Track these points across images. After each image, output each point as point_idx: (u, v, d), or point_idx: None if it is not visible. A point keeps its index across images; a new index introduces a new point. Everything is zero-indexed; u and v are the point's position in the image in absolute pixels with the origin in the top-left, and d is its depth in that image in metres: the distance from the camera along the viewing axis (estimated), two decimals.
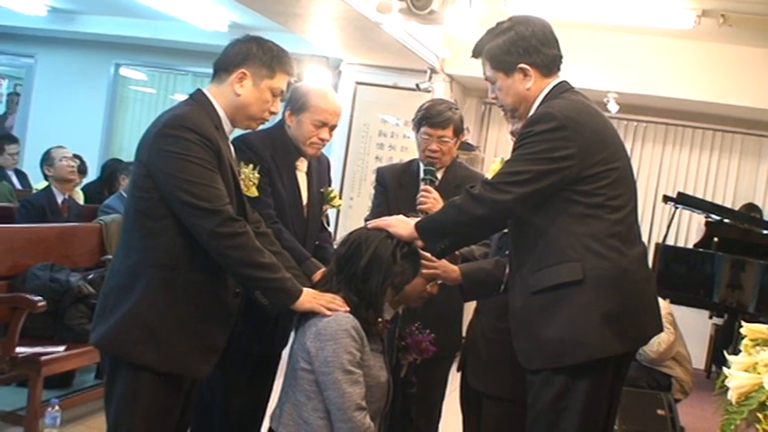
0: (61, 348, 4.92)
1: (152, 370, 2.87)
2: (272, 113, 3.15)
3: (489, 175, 3.12)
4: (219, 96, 3.04)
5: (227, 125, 3.06)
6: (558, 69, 3.04)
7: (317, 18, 6.76)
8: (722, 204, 8.27)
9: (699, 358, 8.29)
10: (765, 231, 6.77)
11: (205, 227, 2.82)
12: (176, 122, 2.87)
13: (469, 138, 8.77)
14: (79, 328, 5.06)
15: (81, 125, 11.05)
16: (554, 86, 2.98)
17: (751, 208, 8.58)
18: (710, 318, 8.54)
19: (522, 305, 2.91)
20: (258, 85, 3.04)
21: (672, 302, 7.11)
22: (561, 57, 3.04)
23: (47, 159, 7.03)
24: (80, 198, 7.88)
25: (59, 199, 6.97)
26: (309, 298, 2.92)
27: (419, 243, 3.02)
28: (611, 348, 2.79)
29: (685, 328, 7.48)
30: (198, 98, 3.04)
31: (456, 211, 2.93)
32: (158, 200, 2.86)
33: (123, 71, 11.73)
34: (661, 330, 3.07)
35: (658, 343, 5.84)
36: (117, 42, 11.01)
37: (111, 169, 8.35)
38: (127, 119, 11.68)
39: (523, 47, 2.95)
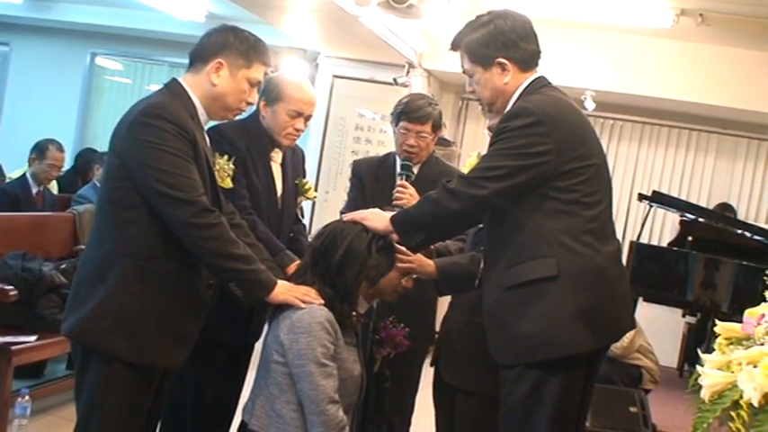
0: (32, 338, 4.87)
1: (123, 360, 2.84)
2: (249, 104, 3.13)
3: (466, 170, 3.12)
4: (195, 86, 3.02)
5: (202, 115, 3.04)
6: (537, 65, 3.04)
7: (295, 9, 6.74)
8: (697, 203, 8.30)
9: (671, 356, 8.32)
10: (739, 231, 6.79)
11: (179, 217, 2.80)
12: (151, 111, 2.85)
13: (446, 133, 8.75)
14: (51, 318, 5.01)
15: (56, 114, 10.98)
16: (532, 81, 2.98)
17: (725, 207, 8.62)
18: (684, 316, 8.56)
19: (496, 300, 2.91)
20: (235, 75, 3.01)
21: (645, 300, 7.16)
22: (540, 52, 3.04)
23: (39, 152, 6.98)
24: (54, 188, 7.82)
25: (34, 190, 6.95)
26: (284, 290, 2.92)
27: (394, 237, 3.02)
28: (585, 344, 2.80)
29: (658, 325, 7.53)
30: (173, 87, 3.02)
31: (432, 205, 2.93)
32: (132, 189, 2.84)
33: (99, 60, 11.65)
34: (634, 327, 3.09)
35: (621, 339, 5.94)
36: (93, 31, 10.94)
37: (86, 159, 8.30)
38: (102, 108, 11.59)
39: (502, 41, 2.95)
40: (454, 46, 3.08)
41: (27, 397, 4.49)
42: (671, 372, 7.99)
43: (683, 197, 8.62)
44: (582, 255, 2.80)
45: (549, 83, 3.01)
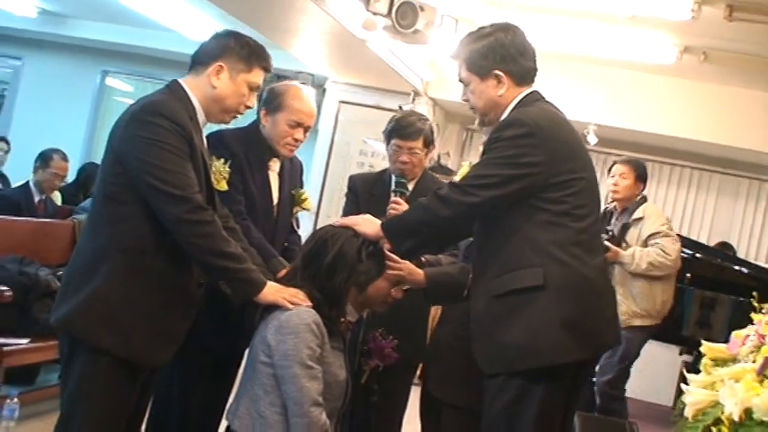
0: (25, 341, 4.88)
1: (110, 354, 2.85)
2: (248, 108, 3.17)
3: (457, 179, 3.14)
4: (195, 88, 3.06)
5: (201, 116, 3.07)
6: (533, 81, 3.07)
7: (305, 33, 6.82)
8: (697, 241, 8.30)
9: (668, 394, 8.30)
10: (737, 267, 6.80)
11: (173, 213, 2.82)
12: (149, 108, 2.89)
13: (450, 162, 8.80)
14: (45, 323, 4.96)
15: (64, 132, 10.94)
16: (526, 95, 3.01)
17: (725, 246, 8.62)
18: (681, 354, 8.55)
19: (484, 309, 2.92)
20: (235, 78, 3.06)
21: None
22: (536, 69, 3.08)
23: (43, 161, 7.06)
24: (58, 199, 7.86)
25: (36, 198, 6.99)
26: (273, 290, 2.93)
27: (385, 243, 3.04)
28: (570, 355, 2.80)
29: (655, 363, 7.49)
30: (174, 88, 3.06)
31: (422, 211, 2.95)
32: (127, 185, 2.87)
33: (109, 81, 11.72)
34: (619, 342, 3.10)
35: (671, 253, 5.81)
36: (105, 49, 11.03)
37: (88, 172, 8.33)
38: (110, 128, 11.55)
39: (501, 54, 2.99)
40: (455, 54, 3.12)
41: (16, 399, 4.48)
42: (666, 409, 7.97)
43: (684, 235, 8.62)
44: (569, 265, 2.81)
45: (543, 97, 3.05)
